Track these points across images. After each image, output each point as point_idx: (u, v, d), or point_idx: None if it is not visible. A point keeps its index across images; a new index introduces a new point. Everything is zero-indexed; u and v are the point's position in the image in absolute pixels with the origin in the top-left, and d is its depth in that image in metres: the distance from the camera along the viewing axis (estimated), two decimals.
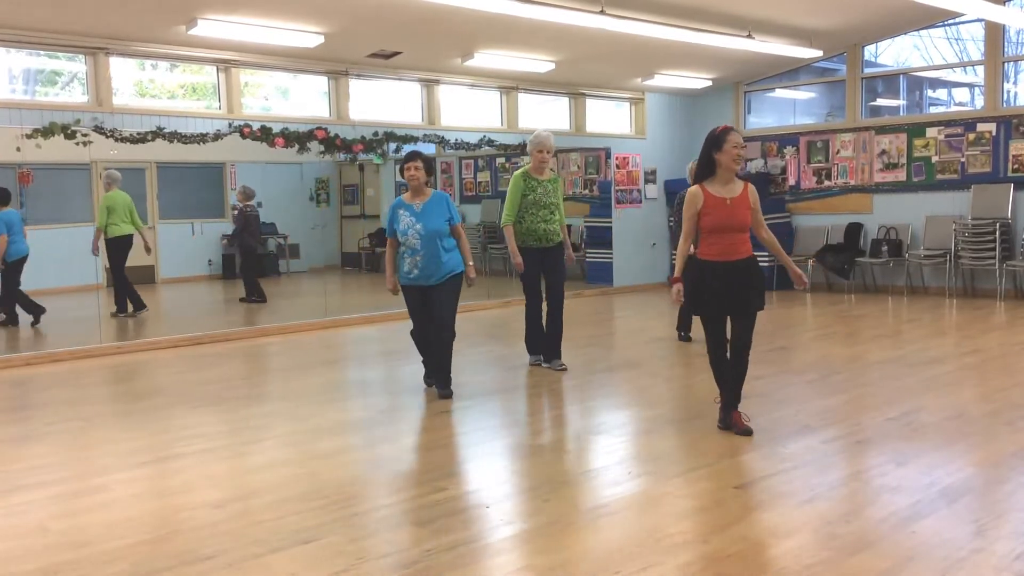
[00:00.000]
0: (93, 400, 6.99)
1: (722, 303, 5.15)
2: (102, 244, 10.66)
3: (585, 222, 14.64)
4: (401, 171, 6.44)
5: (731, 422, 5.26)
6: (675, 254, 5.55)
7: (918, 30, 12.30)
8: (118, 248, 10.74)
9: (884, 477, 4.49)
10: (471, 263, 6.46)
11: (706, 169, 5.13)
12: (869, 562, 3.42)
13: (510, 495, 4.42)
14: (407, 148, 11.62)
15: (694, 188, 5.13)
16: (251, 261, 12.46)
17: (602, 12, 8.95)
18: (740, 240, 5.15)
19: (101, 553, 3.68)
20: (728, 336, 5.25)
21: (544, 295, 7.36)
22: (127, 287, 10.86)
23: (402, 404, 6.45)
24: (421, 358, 6.69)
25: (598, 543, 3.71)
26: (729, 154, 5.03)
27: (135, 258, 10.98)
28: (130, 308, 10.86)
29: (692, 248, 5.27)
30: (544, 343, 7.45)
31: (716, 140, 5.08)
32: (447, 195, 6.48)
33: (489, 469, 4.91)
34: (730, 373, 5.24)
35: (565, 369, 7.31)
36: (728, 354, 5.23)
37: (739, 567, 3.41)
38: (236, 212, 12.54)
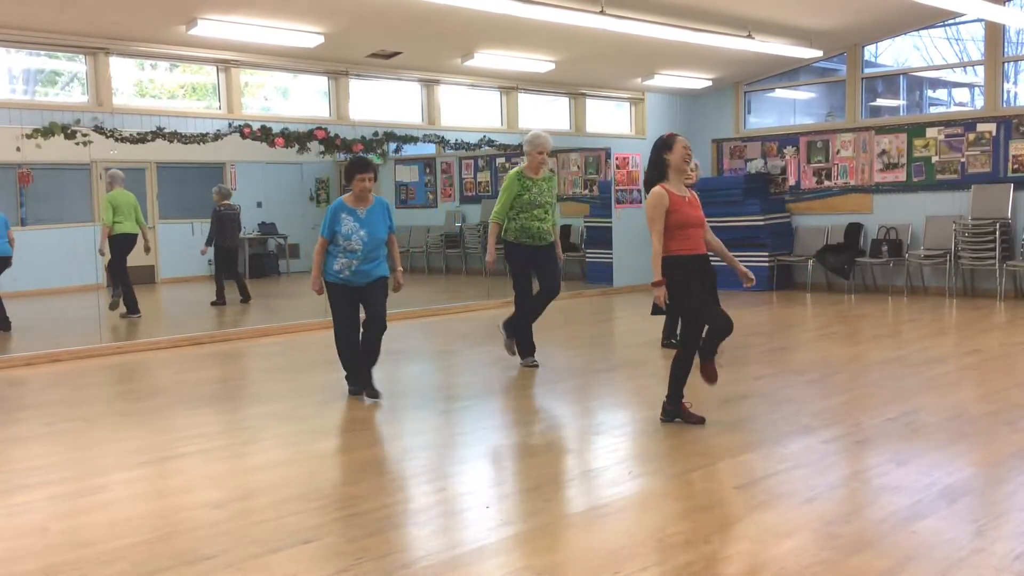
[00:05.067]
0: (93, 400, 6.99)
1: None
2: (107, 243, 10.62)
3: (585, 222, 14.62)
4: (347, 177, 6.26)
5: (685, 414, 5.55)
6: None
7: (918, 30, 12.29)
8: (122, 245, 10.71)
9: (884, 477, 4.49)
10: (399, 269, 6.52)
11: (658, 172, 5.38)
12: (869, 562, 3.42)
13: (510, 495, 4.42)
14: (407, 148, 11.70)
15: (657, 189, 5.32)
16: (220, 263, 12.33)
17: (602, 12, 8.95)
18: (701, 235, 5.41)
19: (101, 553, 3.68)
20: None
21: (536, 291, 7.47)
22: (130, 287, 10.80)
23: (402, 404, 6.45)
24: (345, 372, 6.62)
25: (598, 543, 3.71)
26: (679, 153, 5.31)
27: (135, 258, 10.97)
28: (124, 309, 10.77)
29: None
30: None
31: (666, 143, 5.38)
32: (388, 202, 6.48)
33: (489, 469, 4.91)
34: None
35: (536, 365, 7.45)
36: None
37: (739, 567, 3.41)
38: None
